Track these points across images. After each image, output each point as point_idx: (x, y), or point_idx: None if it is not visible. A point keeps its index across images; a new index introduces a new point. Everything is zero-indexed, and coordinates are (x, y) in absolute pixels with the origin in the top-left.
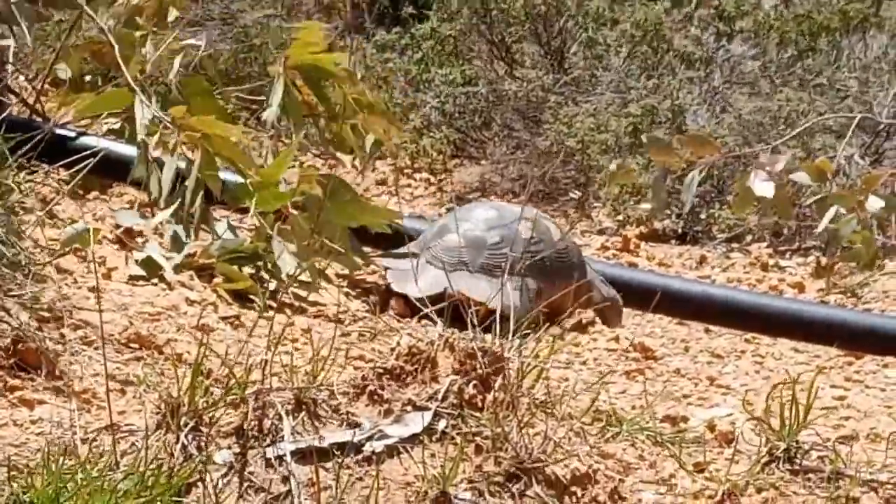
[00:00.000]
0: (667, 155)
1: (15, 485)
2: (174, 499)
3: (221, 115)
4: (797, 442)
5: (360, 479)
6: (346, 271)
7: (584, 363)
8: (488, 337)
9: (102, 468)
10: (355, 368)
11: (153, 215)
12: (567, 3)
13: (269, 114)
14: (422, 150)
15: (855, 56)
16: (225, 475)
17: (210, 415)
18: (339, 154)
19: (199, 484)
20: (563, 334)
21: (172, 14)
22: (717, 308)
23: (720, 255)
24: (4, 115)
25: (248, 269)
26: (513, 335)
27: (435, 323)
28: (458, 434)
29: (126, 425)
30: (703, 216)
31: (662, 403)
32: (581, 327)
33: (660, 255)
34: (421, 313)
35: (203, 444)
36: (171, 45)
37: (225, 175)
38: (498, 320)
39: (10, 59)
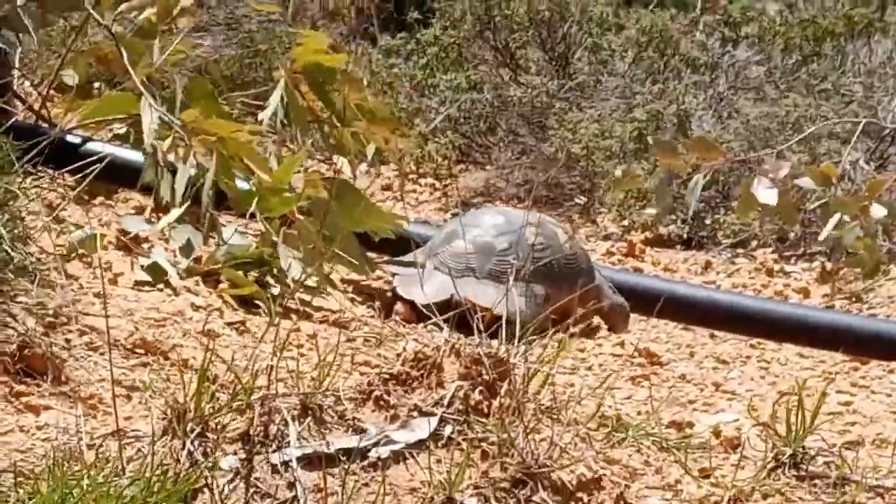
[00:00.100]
0: (672, 157)
1: (21, 490)
2: None
3: (227, 120)
4: (803, 447)
5: (367, 484)
6: (352, 277)
7: (589, 369)
8: (494, 343)
9: (108, 474)
10: (361, 374)
11: (159, 221)
12: (571, 8)
13: (266, 113)
14: (427, 155)
15: (860, 61)
16: (231, 481)
17: (216, 420)
18: (337, 159)
19: (206, 490)
20: (568, 339)
21: (182, 22)
22: (723, 313)
23: (725, 261)
24: (11, 121)
25: (253, 275)
26: (519, 341)
27: (441, 328)
28: (464, 440)
29: (132, 431)
30: (708, 222)
31: (668, 409)
32: (586, 333)
33: (665, 261)
34: (427, 320)
35: (209, 449)
36: (177, 49)
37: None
38: (504, 326)
39: (17, 65)
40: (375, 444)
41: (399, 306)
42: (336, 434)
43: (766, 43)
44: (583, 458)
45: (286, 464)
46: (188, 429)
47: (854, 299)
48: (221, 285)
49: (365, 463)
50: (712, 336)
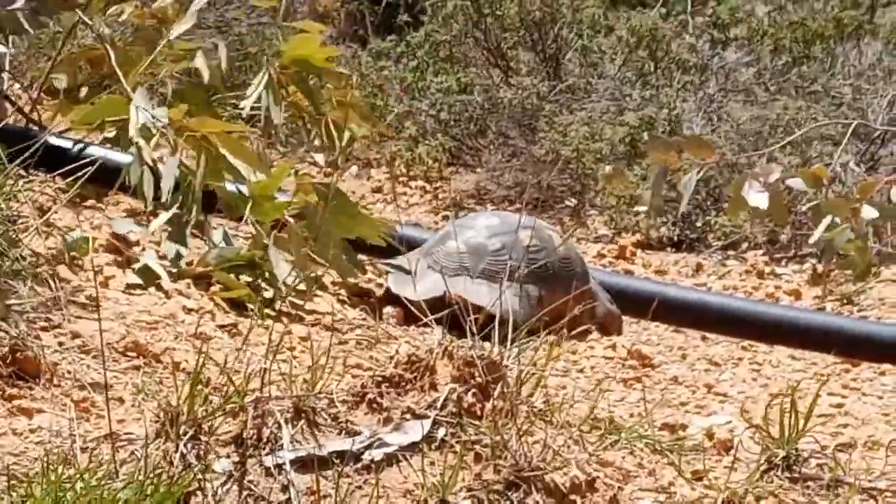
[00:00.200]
0: (666, 153)
1: (14, 494)
2: None
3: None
4: (796, 450)
5: (360, 487)
6: (345, 279)
7: (581, 371)
8: (487, 345)
9: (102, 477)
10: (354, 377)
11: (149, 223)
12: (562, 10)
13: (247, 102)
14: (418, 158)
15: (849, 63)
16: (224, 484)
17: (209, 423)
18: (314, 154)
19: (199, 493)
20: (560, 341)
21: (176, 31)
22: (714, 315)
23: (716, 263)
24: (1, 124)
25: (245, 278)
26: (512, 343)
27: (433, 329)
28: (457, 442)
29: (125, 434)
30: (698, 224)
31: (660, 411)
32: (578, 335)
33: (656, 263)
34: (420, 321)
35: (202, 452)
36: (168, 52)
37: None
38: (497, 327)
39: (6, 68)
40: (369, 447)
41: (391, 309)
42: (329, 437)
43: (755, 45)
44: (576, 460)
45: (279, 466)
46: (181, 432)
47: (845, 301)
48: (213, 288)
49: (358, 465)
50: (704, 338)
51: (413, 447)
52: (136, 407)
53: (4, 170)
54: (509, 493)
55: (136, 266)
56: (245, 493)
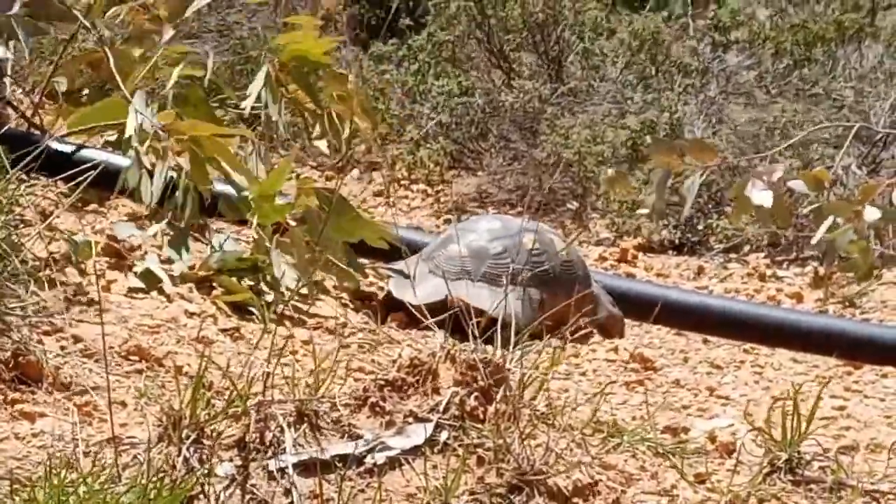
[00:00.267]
0: (669, 157)
1: (17, 498)
2: None
3: (217, 125)
4: (798, 452)
5: (363, 490)
6: (347, 283)
7: (583, 374)
8: (489, 348)
9: (104, 481)
10: (356, 380)
11: (150, 225)
12: (565, 12)
13: (248, 102)
14: (419, 161)
15: (850, 66)
16: (227, 488)
17: (212, 427)
18: (316, 140)
19: (202, 497)
20: (563, 345)
21: (165, 36)
22: (716, 318)
23: (718, 266)
24: (4, 129)
25: (247, 281)
26: (514, 346)
27: (436, 332)
28: (459, 446)
29: (128, 438)
30: (700, 227)
31: (663, 414)
32: (580, 338)
33: (657, 266)
34: (422, 325)
35: (205, 456)
36: (168, 55)
37: (223, 187)
38: (499, 330)
39: (9, 73)
40: (371, 451)
41: (394, 313)
42: (332, 440)
43: (756, 48)
44: (578, 463)
45: (282, 470)
46: (184, 435)
47: (847, 304)
48: (215, 292)
49: (361, 469)
50: (705, 341)
51: (415, 451)
52: (139, 411)
53: (6, 174)
54: (512, 497)
55: (138, 270)
56: (248, 496)
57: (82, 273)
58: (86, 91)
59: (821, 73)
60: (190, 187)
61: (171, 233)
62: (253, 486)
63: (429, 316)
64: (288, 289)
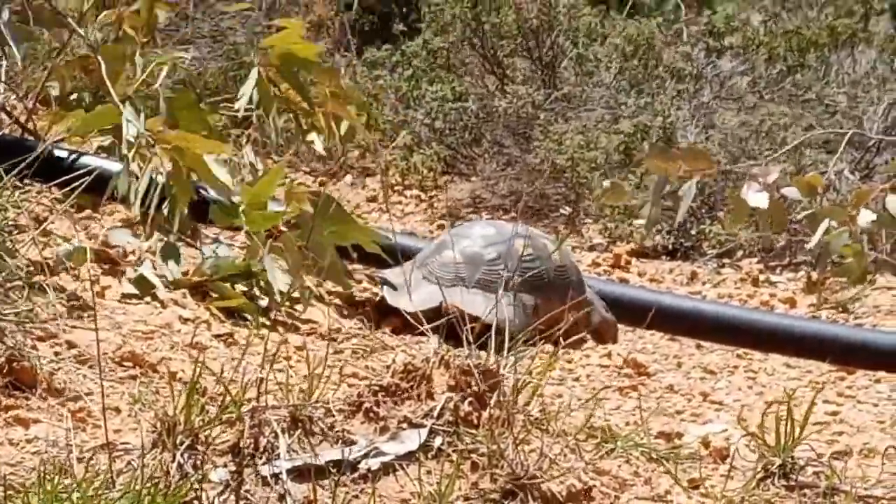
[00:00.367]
0: (665, 163)
1: None
2: None
3: (209, 130)
4: (792, 458)
5: (357, 496)
6: (340, 289)
7: (576, 380)
8: (483, 354)
9: (98, 487)
10: (350, 386)
11: (144, 233)
12: (559, 17)
13: (241, 103)
14: (412, 167)
15: (844, 71)
16: (221, 493)
17: (206, 433)
18: (311, 136)
19: (196, 502)
20: (557, 351)
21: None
22: (709, 324)
23: (711, 271)
24: None
25: (240, 287)
26: (508, 352)
27: (430, 338)
28: (453, 451)
29: (122, 444)
30: (693, 232)
31: (656, 420)
32: (573, 344)
33: (651, 271)
34: (416, 331)
35: (199, 462)
36: (160, 58)
37: (213, 194)
38: (493, 336)
39: (2, 78)
40: (365, 456)
41: (388, 319)
42: (326, 446)
43: (750, 53)
44: (572, 469)
45: (276, 476)
46: (178, 441)
47: (840, 309)
48: (209, 298)
49: (355, 475)
50: (699, 346)
51: (410, 456)
52: (133, 417)
53: (1, 180)
54: (506, 502)
55: (132, 276)
56: (242, 502)
57: (76, 279)
58: (81, 96)
59: (814, 79)
60: (177, 195)
61: (164, 239)
62: (247, 491)
63: (424, 322)
64: (281, 294)
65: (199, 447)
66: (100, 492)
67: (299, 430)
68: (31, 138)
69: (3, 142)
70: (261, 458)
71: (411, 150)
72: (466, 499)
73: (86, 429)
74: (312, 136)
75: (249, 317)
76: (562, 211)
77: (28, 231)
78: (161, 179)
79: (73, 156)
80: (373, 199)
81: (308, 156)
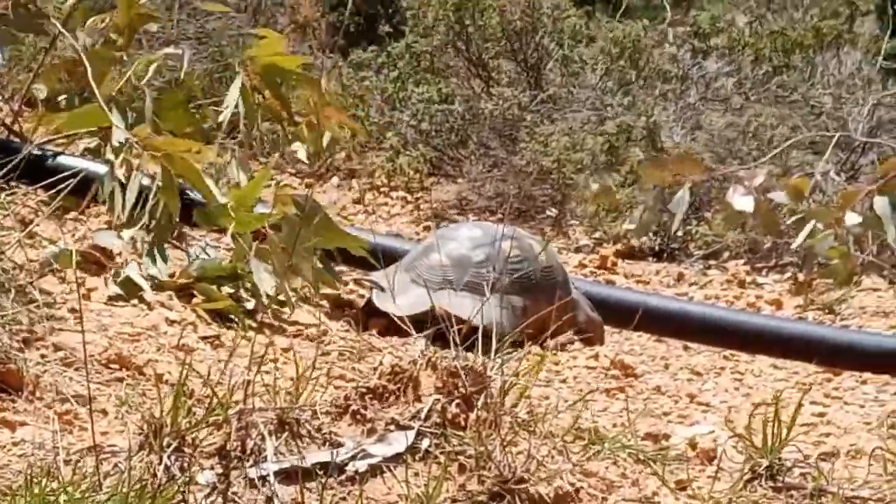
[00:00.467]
0: (661, 173)
1: None
2: None
3: (196, 131)
4: (779, 459)
5: (344, 499)
6: (326, 290)
7: (563, 381)
8: (471, 356)
9: (86, 490)
10: (337, 388)
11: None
12: (543, 19)
13: (225, 115)
14: (398, 168)
15: (829, 72)
16: (208, 496)
17: (193, 435)
18: (295, 146)
19: None
20: (546, 353)
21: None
22: (696, 325)
23: (697, 272)
24: None
25: (227, 289)
26: (495, 353)
27: (417, 340)
28: (441, 453)
29: (109, 446)
30: (680, 233)
31: (644, 421)
32: (561, 345)
33: (637, 273)
34: (403, 334)
35: (186, 464)
36: (147, 59)
37: (199, 197)
38: (480, 338)
39: None
40: (352, 458)
41: (374, 324)
42: (313, 448)
43: (735, 55)
44: (560, 470)
45: (263, 478)
46: (165, 444)
47: (826, 310)
48: (195, 300)
49: (342, 477)
50: (686, 348)
51: (397, 458)
52: (120, 419)
53: None
54: None
55: (118, 278)
56: None
57: (62, 281)
58: (67, 98)
59: (799, 80)
60: (160, 200)
61: (149, 241)
62: (234, 494)
63: (412, 326)
64: (268, 296)
65: (187, 449)
66: (87, 494)
67: (286, 433)
68: (16, 140)
69: None
70: (248, 461)
71: (397, 151)
72: (454, 501)
73: (73, 431)
74: (296, 145)
75: (236, 319)
76: (548, 212)
77: (14, 233)
78: (146, 183)
79: (58, 157)
80: (359, 201)
81: (294, 157)
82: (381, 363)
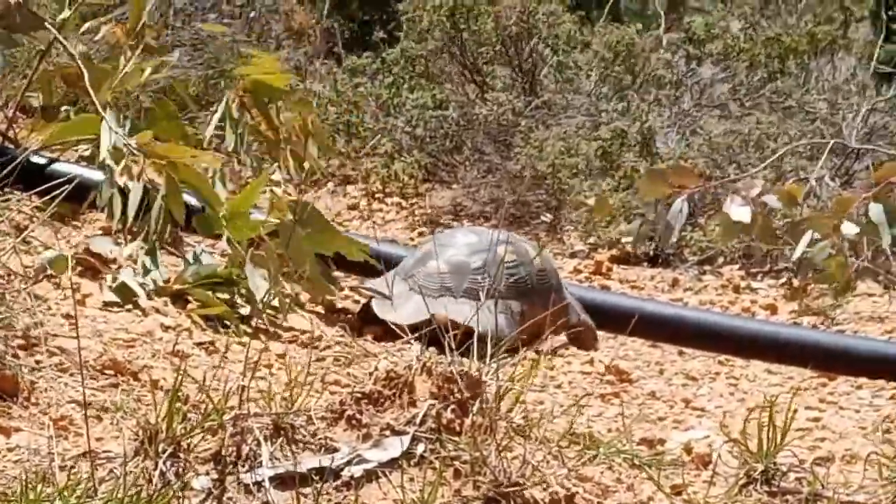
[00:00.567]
0: (662, 186)
1: None
2: None
3: (187, 140)
4: (774, 464)
5: None
6: (321, 296)
7: (558, 386)
8: (466, 361)
9: (81, 495)
10: (332, 393)
11: (125, 241)
12: (538, 25)
13: (208, 131)
14: (393, 174)
15: (823, 78)
16: (203, 501)
17: (188, 441)
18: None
19: None
20: (541, 358)
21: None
22: (691, 330)
23: (692, 278)
24: None
25: (222, 295)
26: (490, 359)
27: (415, 346)
28: (436, 458)
29: (104, 452)
30: (674, 239)
31: (639, 426)
32: (556, 350)
33: (632, 278)
34: (398, 338)
35: (181, 470)
36: (142, 66)
37: (196, 202)
38: (475, 343)
39: None
40: (348, 464)
41: (369, 327)
42: (308, 454)
43: (730, 61)
44: (555, 475)
45: (259, 484)
46: (160, 449)
47: (821, 315)
48: (190, 305)
49: (338, 482)
50: (681, 353)
51: (392, 463)
52: (115, 425)
53: None
54: None
55: (113, 284)
56: None
57: (57, 287)
58: (61, 106)
59: (794, 86)
60: (162, 207)
61: (146, 247)
62: (229, 499)
63: (409, 333)
64: (262, 302)
65: (182, 455)
66: (82, 500)
67: (281, 438)
68: (10, 146)
69: None
70: (243, 466)
71: (392, 157)
72: None
73: (68, 437)
74: (276, 175)
75: (231, 325)
76: (543, 218)
77: (8, 239)
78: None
79: (53, 164)
80: (354, 207)
81: (286, 165)
82: (376, 368)
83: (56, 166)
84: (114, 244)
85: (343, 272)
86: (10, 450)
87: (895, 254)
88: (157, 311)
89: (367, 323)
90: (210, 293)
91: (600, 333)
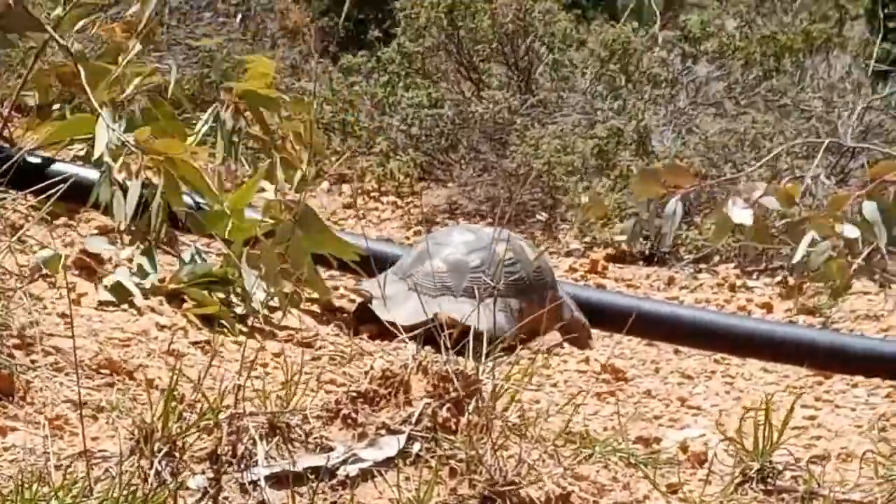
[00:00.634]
0: (656, 186)
1: None
2: None
3: (184, 139)
4: (770, 462)
5: (335, 503)
6: (317, 296)
7: (554, 385)
8: (461, 360)
9: (76, 495)
10: (328, 392)
11: (121, 240)
12: (535, 23)
13: (195, 139)
14: (389, 173)
15: (819, 76)
16: (199, 500)
17: (183, 440)
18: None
19: None
20: (539, 357)
21: (136, 47)
22: (686, 329)
23: (688, 276)
24: None
25: (217, 294)
26: (486, 357)
27: (410, 344)
28: (432, 457)
29: (99, 451)
30: (669, 241)
31: (634, 425)
32: (551, 348)
33: (628, 277)
34: (394, 336)
35: (177, 469)
36: (138, 68)
37: (191, 202)
38: (471, 342)
39: None
40: (343, 463)
41: (365, 325)
42: (304, 453)
43: (725, 59)
44: (551, 474)
45: (254, 483)
46: (156, 449)
47: (817, 314)
48: (186, 305)
49: (333, 481)
50: (676, 351)
51: (388, 462)
52: (110, 424)
53: None
54: None
55: (109, 283)
56: None
57: (53, 286)
58: (57, 105)
59: (789, 84)
60: (161, 205)
61: (142, 246)
62: (225, 498)
63: (405, 333)
64: (259, 301)
65: (177, 454)
66: (78, 499)
67: (277, 437)
68: (5, 146)
69: None
70: (239, 465)
71: (388, 156)
72: None
73: (63, 436)
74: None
75: (227, 324)
76: (538, 216)
77: (3, 238)
78: (142, 188)
79: (49, 163)
80: (349, 206)
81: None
82: (371, 367)
83: (53, 166)
84: (109, 244)
85: (340, 271)
86: (5, 449)
87: (891, 252)
88: (153, 310)
89: (362, 322)
90: (206, 292)
91: (596, 332)
